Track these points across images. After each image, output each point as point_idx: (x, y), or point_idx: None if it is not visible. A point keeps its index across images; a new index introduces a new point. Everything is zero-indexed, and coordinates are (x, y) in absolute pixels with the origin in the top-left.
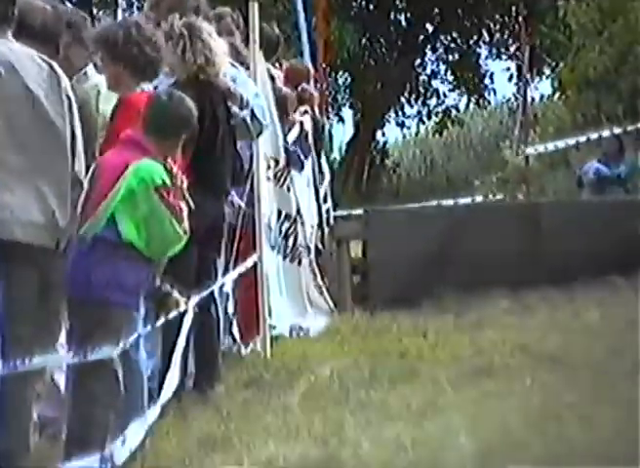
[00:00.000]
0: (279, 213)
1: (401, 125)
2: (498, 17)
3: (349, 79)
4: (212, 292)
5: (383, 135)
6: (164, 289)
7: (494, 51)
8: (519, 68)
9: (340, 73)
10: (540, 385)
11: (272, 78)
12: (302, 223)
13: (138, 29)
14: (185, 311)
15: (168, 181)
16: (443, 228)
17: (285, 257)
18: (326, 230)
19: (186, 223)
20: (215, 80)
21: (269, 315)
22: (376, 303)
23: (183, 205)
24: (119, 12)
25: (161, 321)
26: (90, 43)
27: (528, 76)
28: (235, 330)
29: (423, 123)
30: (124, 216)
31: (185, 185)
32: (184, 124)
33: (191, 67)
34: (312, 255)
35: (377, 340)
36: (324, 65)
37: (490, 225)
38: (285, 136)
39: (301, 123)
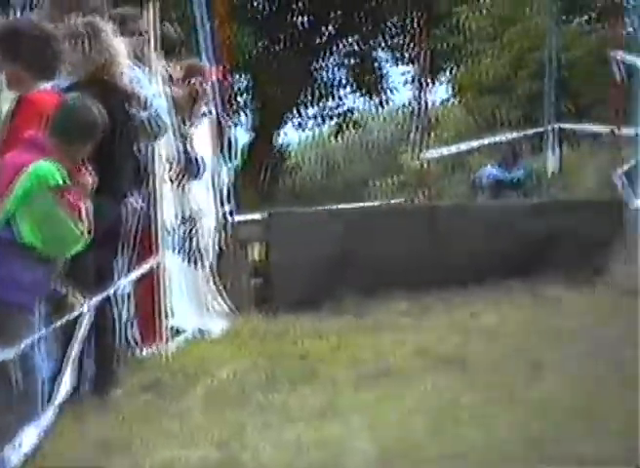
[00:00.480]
0: (178, 215)
1: (299, 126)
2: (396, 21)
3: (250, 81)
4: (110, 295)
5: (285, 135)
6: (61, 290)
7: (393, 54)
8: (418, 72)
9: (241, 75)
10: (439, 387)
11: (171, 78)
12: (201, 226)
13: (36, 27)
14: (82, 313)
15: (66, 182)
16: (344, 231)
17: (185, 260)
18: (227, 232)
19: (87, 224)
20: (115, 80)
21: (171, 317)
22: (277, 306)
23: (85, 205)
24: (12, 11)
25: (58, 323)
26: None
27: (426, 80)
28: (134, 332)
29: (321, 124)
30: (22, 217)
31: (91, 186)
32: (90, 131)
33: (92, 67)
34: (211, 258)
35: (277, 343)
36: (225, 67)
37: (389, 228)
38: (184, 137)
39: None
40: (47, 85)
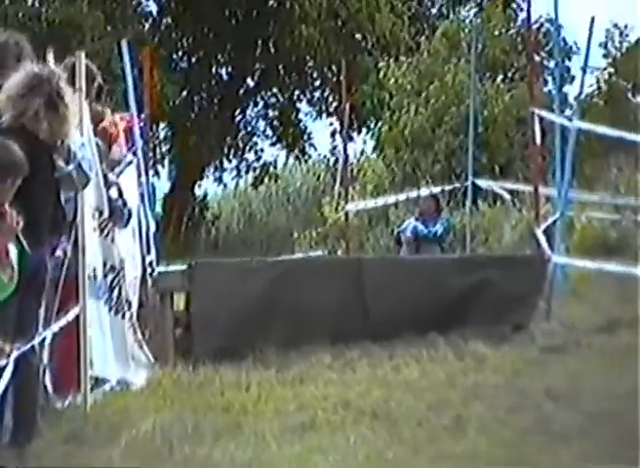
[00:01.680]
0: (104, 264)
1: (219, 180)
2: (318, 74)
3: (170, 131)
4: (32, 345)
5: (200, 187)
6: None
7: (314, 107)
8: (340, 125)
9: (162, 126)
10: (363, 440)
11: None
12: (124, 276)
13: None
14: (7, 364)
15: None
16: (267, 282)
17: (110, 309)
18: (149, 282)
19: (11, 269)
20: (41, 133)
21: (92, 367)
22: (198, 356)
23: (10, 248)
24: None
25: None
26: None
27: (348, 133)
28: (48, 381)
29: (241, 177)
30: None
31: (16, 229)
32: (9, 169)
33: (20, 116)
34: (133, 309)
35: (199, 394)
36: (145, 117)
37: (313, 280)
38: (110, 185)
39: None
40: None
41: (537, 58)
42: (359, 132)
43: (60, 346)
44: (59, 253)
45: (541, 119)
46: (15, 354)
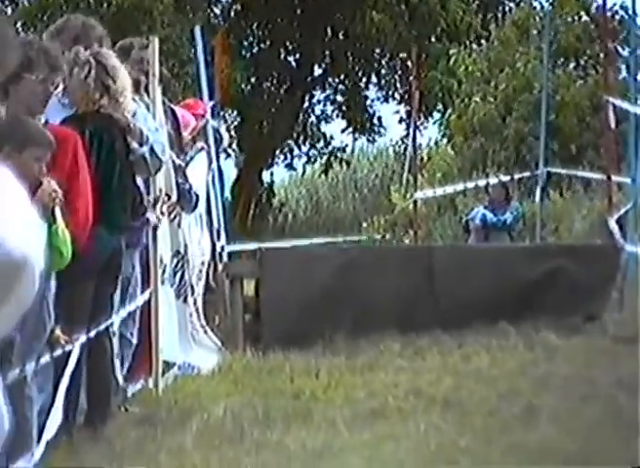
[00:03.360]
0: (171, 248)
1: (289, 166)
2: (387, 60)
3: (238, 118)
4: (107, 328)
5: (271, 174)
6: (50, 325)
7: (382, 94)
8: (408, 112)
9: (230, 112)
10: (435, 428)
11: (173, 112)
12: (188, 261)
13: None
14: (73, 348)
15: None
16: (336, 269)
17: (175, 293)
18: (219, 268)
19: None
20: (115, 114)
21: (161, 352)
22: (267, 342)
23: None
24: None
25: (47, 357)
26: None
27: (417, 120)
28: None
29: (312, 163)
30: None
31: (52, 199)
32: (25, 142)
33: (92, 99)
34: (197, 294)
35: (269, 380)
36: (216, 102)
37: (383, 268)
38: (179, 170)
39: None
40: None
41: (611, 46)
42: (428, 119)
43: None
44: (153, 219)
45: (615, 107)
46: (83, 338)
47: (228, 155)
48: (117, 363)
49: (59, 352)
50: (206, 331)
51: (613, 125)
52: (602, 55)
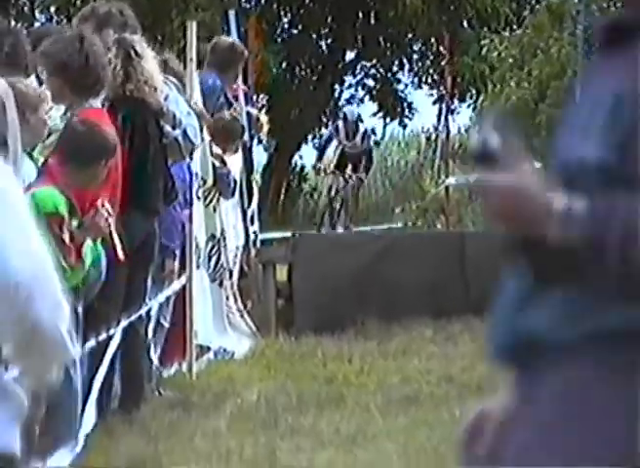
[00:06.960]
0: (206, 233)
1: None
2: (419, 45)
3: (270, 102)
4: (140, 314)
5: (301, 158)
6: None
7: (414, 79)
8: (440, 98)
9: (262, 96)
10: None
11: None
12: (225, 245)
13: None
14: (114, 333)
15: (62, 212)
16: (368, 255)
17: (210, 278)
18: (252, 253)
19: (83, 263)
20: (147, 97)
21: (195, 336)
22: (300, 327)
23: (89, 244)
24: (36, 25)
25: (91, 343)
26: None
27: (449, 106)
28: (153, 350)
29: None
30: None
31: (106, 225)
32: (100, 152)
33: (124, 84)
34: (234, 278)
35: (302, 365)
36: (250, 86)
37: (415, 253)
38: (216, 155)
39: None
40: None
41: None
42: (460, 104)
43: (170, 315)
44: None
45: None
46: (123, 324)
47: (260, 140)
48: (152, 347)
49: (100, 338)
50: (242, 315)
51: None
52: None
